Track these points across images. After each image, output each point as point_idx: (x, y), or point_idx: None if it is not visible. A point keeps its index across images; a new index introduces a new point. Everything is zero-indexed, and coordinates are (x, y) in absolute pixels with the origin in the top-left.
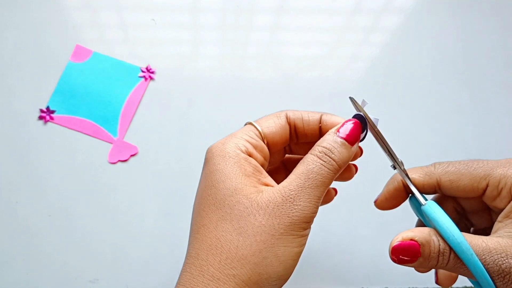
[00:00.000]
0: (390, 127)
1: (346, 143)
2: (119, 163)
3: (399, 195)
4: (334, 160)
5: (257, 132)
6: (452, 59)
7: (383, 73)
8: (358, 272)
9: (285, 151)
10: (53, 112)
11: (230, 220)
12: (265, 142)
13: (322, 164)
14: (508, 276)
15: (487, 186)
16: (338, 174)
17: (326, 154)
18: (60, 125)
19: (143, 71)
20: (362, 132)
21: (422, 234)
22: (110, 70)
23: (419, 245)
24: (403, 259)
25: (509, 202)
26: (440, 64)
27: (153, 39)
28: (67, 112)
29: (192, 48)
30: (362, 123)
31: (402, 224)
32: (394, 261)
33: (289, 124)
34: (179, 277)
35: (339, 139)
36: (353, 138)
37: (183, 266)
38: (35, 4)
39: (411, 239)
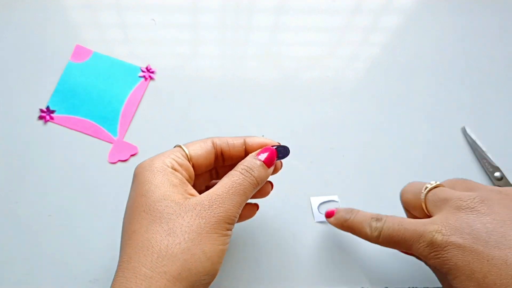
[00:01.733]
0: (390, 127)
1: (264, 165)
2: (119, 163)
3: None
4: (254, 176)
5: (183, 153)
6: (452, 59)
7: (383, 73)
8: (358, 272)
9: (211, 176)
10: (53, 112)
11: (159, 223)
12: (191, 163)
13: (244, 178)
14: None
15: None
16: (257, 189)
17: (247, 171)
18: (60, 125)
19: (143, 71)
20: (278, 159)
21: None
22: (110, 70)
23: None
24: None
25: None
26: (440, 64)
27: (153, 39)
28: (67, 112)
29: (192, 48)
30: (279, 154)
31: None
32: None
33: (216, 149)
34: (112, 283)
35: (259, 162)
36: (270, 162)
37: (116, 272)
38: (35, 3)
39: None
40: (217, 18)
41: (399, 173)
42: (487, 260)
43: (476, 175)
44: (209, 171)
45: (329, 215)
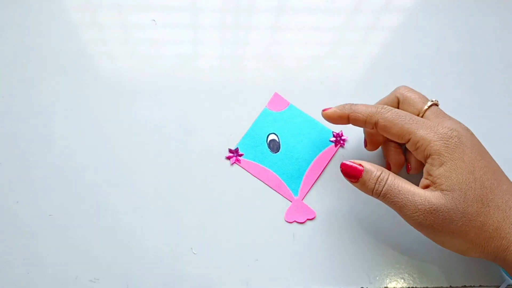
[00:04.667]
0: None
1: None
2: (295, 224)
3: (340, 121)
4: None
5: None
6: (452, 59)
7: (383, 73)
8: (358, 272)
9: None
10: (241, 155)
11: None
12: None
13: None
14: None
15: (409, 140)
16: None
17: None
18: (245, 169)
19: (335, 136)
20: None
21: (368, 164)
22: (303, 127)
23: (363, 170)
24: (348, 175)
25: (423, 158)
26: (440, 64)
27: (153, 39)
28: (254, 158)
29: (192, 48)
30: None
31: (402, 223)
32: (342, 172)
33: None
34: None
35: None
36: None
37: None
38: None
39: (360, 164)
40: (216, 18)
41: (399, 173)
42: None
43: None
44: None
45: (326, 109)
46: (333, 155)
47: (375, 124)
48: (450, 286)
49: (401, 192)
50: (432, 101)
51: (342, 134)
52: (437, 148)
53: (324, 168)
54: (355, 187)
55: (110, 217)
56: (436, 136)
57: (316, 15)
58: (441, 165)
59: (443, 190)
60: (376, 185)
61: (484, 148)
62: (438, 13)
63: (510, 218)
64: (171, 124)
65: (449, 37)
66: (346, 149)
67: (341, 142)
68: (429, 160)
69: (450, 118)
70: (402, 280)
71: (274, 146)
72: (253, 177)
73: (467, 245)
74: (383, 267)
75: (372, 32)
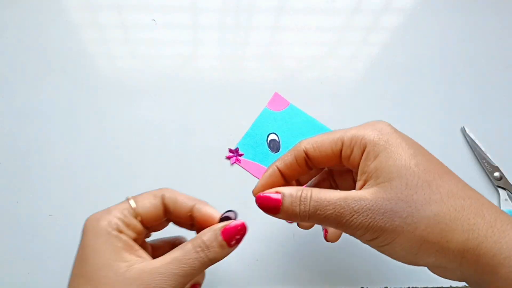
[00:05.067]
0: None
1: (226, 244)
2: (295, 224)
3: (276, 182)
4: (208, 257)
5: (131, 211)
6: (452, 59)
7: (382, 73)
8: (358, 272)
9: (167, 221)
10: (241, 155)
11: None
12: (139, 219)
13: (196, 258)
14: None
15: (342, 145)
16: (206, 268)
17: (203, 250)
18: (245, 169)
19: None
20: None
21: (286, 188)
22: (301, 126)
23: (281, 196)
24: (268, 209)
25: (361, 157)
26: (440, 64)
27: (153, 39)
28: (254, 158)
29: (192, 48)
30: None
31: None
32: (260, 207)
33: (164, 205)
34: None
35: (220, 239)
36: (235, 242)
37: None
38: None
39: (276, 191)
40: (216, 18)
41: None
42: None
43: (476, 175)
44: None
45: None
46: None
47: (306, 153)
48: (450, 286)
49: (331, 202)
50: None
51: None
52: (371, 138)
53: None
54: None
55: None
56: (368, 129)
57: (316, 15)
58: (376, 156)
59: (379, 184)
60: (302, 206)
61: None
62: (438, 13)
63: (472, 207)
64: (171, 124)
65: (449, 37)
66: None
67: None
68: (363, 156)
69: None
70: (402, 280)
71: (274, 146)
72: (253, 176)
73: (418, 244)
74: (383, 267)
75: (372, 32)
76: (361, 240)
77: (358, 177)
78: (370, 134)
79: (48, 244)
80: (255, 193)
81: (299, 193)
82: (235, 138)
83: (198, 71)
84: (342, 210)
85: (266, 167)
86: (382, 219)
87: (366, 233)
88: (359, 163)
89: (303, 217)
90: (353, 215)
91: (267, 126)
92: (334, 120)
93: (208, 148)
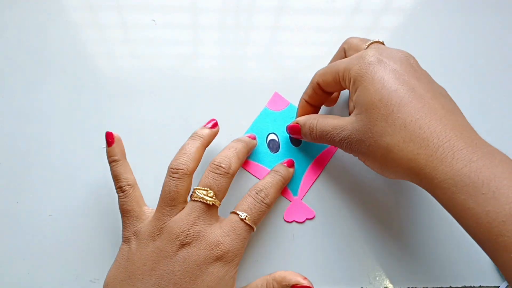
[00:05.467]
0: None
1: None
2: (294, 224)
3: (307, 110)
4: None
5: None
6: (451, 59)
7: None
8: (357, 272)
9: None
10: None
11: None
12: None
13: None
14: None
15: (341, 77)
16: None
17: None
18: (244, 169)
19: None
20: None
21: (302, 117)
22: None
23: (300, 125)
24: (294, 133)
25: (350, 84)
26: (439, 64)
27: (153, 39)
28: (253, 158)
29: (192, 48)
30: None
31: (402, 223)
32: (289, 133)
33: None
34: None
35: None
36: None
37: None
38: None
39: (296, 123)
40: (216, 18)
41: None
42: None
43: None
44: None
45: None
46: (333, 155)
47: (318, 83)
48: (450, 286)
49: (327, 129)
50: (374, 40)
51: None
52: (353, 73)
53: (324, 168)
54: (354, 187)
55: (110, 217)
56: (353, 61)
57: (316, 15)
58: (355, 90)
59: (356, 115)
60: (312, 134)
61: (408, 69)
62: (438, 13)
63: (418, 139)
64: (171, 124)
65: (449, 37)
66: None
67: None
68: (350, 88)
69: (376, 48)
70: (402, 281)
71: (273, 146)
72: (253, 176)
73: (380, 165)
74: (383, 267)
75: (372, 32)
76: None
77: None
78: (353, 69)
79: (48, 244)
80: (295, 122)
81: (309, 122)
82: (236, 137)
83: (198, 70)
84: (334, 136)
85: (265, 167)
86: (354, 145)
87: (353, 154)
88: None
89: (316, 140)
90: (340, 140)
91: (266, 125)
92: None
93: (208, 147)
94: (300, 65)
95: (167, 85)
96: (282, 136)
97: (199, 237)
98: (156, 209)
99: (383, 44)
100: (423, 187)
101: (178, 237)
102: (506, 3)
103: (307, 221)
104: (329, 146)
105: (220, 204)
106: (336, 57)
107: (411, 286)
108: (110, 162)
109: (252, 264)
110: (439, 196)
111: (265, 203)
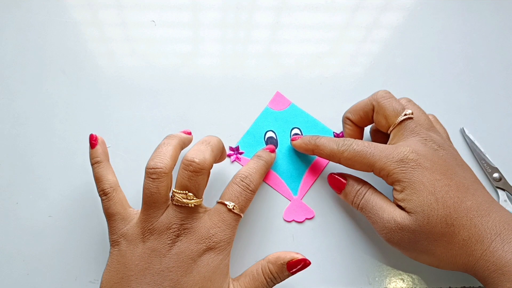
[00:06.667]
0: None
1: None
2: (293, 223)
3: (307, 152)
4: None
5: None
6: (451, 59)
7: (382, 73)
8: (357, 272)
9: None
10: (242, 153)
11: None
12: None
13: None
14: None
15: (373, 171)
16: None
17: (272, 280)
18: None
19: (335, 136)
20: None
21: (352, 178)
22: (303, 127)
23: (346, 182)
24: (334, 186)
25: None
26: (439, 65)
27: (154, 38)
28: (251, 156)
29: (193, 47)
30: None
31: None
32: (329, 183)
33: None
34: None
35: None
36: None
37: None
38: None
39: (344, 178)
40: (217, 16)
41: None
42: (437, 180)
43: None
44: None
45: (295, 139)
46: None
47: (339, 162)
48: (450, 287)
49: (373, 208)
50: (405, 114)
51: (342, 134)
52: (396, 176)
53: (324, 168)
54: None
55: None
56: (393, 164)
57: (317, 13)
58: (402, 190)
59: (408, 212)
60: (355, 198)
61: (447, 163)
62: (439, 12)
63: (475, 236)
64: (172, 122)
65: (449, 37)
66: None
67: None
68: (393, 186)
69: (416, 134)
70: (402, 281)
71: (272, 143)
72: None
73: (437, 261)
74: (382, 268)
75: (372, 32)
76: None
77: (394, 196)
78: (395, 172)
79: (48, 245)
80: (292, 143)
81: (358, 187)
82: (236, 137)
83: (199, 69)
84: (378, 221)
85: None
86: (406, 242)
87: (393, 245)
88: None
89: (354, 205)
90: (384, 229)
91: (268, 125)
92: (334, 120)
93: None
94: (301, 63)
95: (168, 83)
96: (281, 134)
97: (189, 232)
98: (141, 211)
99: (411, 118)
100: (471, 274)
101: (169, 237)
102: (506, 3)
103: (307, 221)
104: None
105: (202, 200)
106: (361, 106)
107: (411, 287)
108: (92, 164)
109: (252, 264)
110: (488, 284)
111: (250, 190)
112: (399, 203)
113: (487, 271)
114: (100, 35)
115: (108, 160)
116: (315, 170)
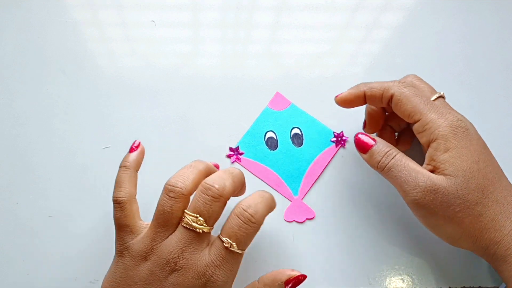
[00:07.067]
0: None
1: None
2: (294, 223)
3: (357, 101)
4: None
5: None
6: (451, 59)
7: (382, 73)
8: (357, 272)
9: None
10: (241, 153)
11: None
12: None
13: None
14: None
15: (418, 120)
16: None
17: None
18: (246, 168)
19: (335, 136)
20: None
21: (382, 140)
22: (303, 127)
23: (374, 143)
24: (360, 146)
25: (427, 142)
26: (439, 64)
27: (154, 38)
28: (254, 157)
29: (193, 47)
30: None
31: (401, 224)
32: (355, 142)
33: None
34: None
35: None
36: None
37: None
38: None
39: (373, 139)
40: (217, 16)
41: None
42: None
43: None
44: None
45: (338, 96)
46: (334, 155)
47: (391, 97)
48: (449, 287)
49: (406, 168)
50: (439, 93)
51: (343, 134)
52: (445, 133)
53: (325, 168)
54: (354, 187)
55: (111, 218)
56: (445, 122)
57: (317, 13)
58: (446, 150)
59: (446, 175)
60: (383, 159)
61: (486, 145)
62: (439, 12)
63: (507, 212)
64: (172, 122)
65: (449, 37)
66: (347, 149)
67: (342, 142)
68: (433, 145)
69: (456, 111)
70: (401, 281)
71: (272, 144)
72: (253, 175)
73: (460, 233)
74: (382, 268)
75: (373, 31)
76: (411, 209)
77: (427, 160)
78: (445, 130)
79: (48, 245)
80: (339, 98)
81: (388, 149)
82: (235, 137)
83: (199, 69)
84: (410, 180)
85: (266, 166)
86: (437, 205)
87: (419, 209)
88: (423, 143)
89: (379, 167)
90: (416, 188)
91: (268, 125)
92: (334, 119)
93: (208, 147)
94: (301, 63)
95: (167, 83)
96: (281, 134)
97: (187, 265)
98: (150, 226)
99: (444, 98)
100: (491, 258)
101: (168, 263)
102: (506, 3)
103: (307, 221)
104: (329, 146)
105: (211, 229)
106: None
107: (411, 286)
108: (120, 166)
109: (251, 264)
110: (507, 263)
111: (253, 222)
112: (438, 164)
113: (510, 249)
114: (100, 35)
115: (137, 170)
116: (316, 170)
